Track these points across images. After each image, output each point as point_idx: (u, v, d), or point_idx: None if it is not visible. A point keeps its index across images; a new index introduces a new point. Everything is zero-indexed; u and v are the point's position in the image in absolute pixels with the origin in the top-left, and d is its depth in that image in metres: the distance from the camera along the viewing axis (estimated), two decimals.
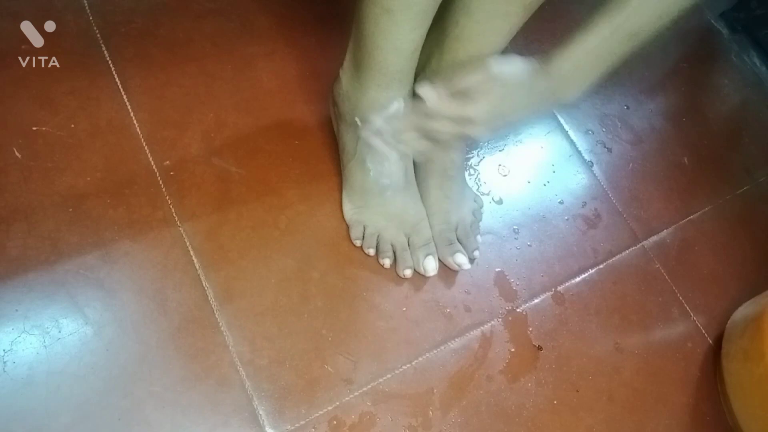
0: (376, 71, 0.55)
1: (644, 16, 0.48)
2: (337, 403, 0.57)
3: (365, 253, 0.64)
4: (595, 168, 0.82)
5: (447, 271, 0.67)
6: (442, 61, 0.58)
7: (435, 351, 0.63)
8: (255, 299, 0.59)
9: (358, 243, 0.64)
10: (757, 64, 1.07)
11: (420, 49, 0.54)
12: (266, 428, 0.54)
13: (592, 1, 0.50)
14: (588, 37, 0.49)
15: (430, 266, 0.64)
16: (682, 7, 0.48)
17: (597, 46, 0.49)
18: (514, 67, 0.52)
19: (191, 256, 0.59)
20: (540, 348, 0.67)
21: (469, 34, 0.54)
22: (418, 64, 0.57)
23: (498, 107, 0.52)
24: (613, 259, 0.76)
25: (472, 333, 0.65)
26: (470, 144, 0.59)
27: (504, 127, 0.55)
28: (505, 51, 0.58)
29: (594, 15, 0.49)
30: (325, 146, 0.69)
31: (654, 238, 0.80)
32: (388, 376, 0.60)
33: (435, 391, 0.61)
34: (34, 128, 0.60)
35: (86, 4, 0.68)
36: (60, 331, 0.53)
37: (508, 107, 0.52)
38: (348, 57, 0.58)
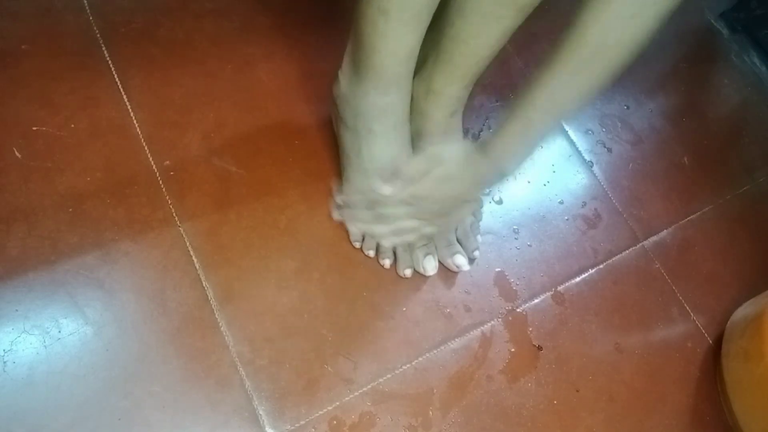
0: (373, 73, 0.55)
1: (567, 100, 0.52)
2: (337, 403, 0.57)
3: (366, 255, 0.64)
4: (595, 168, 0.82)
5: (447, 271, 0.67)
6: (437, 62, 0.58)
7: (435, 351, 0.63)
8: (255, 299, 0.59)
9: (357, 245, 0.64)
10: (757, 64, 1.07)
11: (417, 51, 0.54)
12: (266, 428, 0.54)
13: None
14: (514, 121, 0.54)
15: (430, 266, 0.64)
16: (603, 81, 0.51)
17: (524, 127, 0.54)
18: (454, 151, 0.59)
19: (191, 256, 0.59)
20: (540, 348, 0.67)
21: (464, 35, 0.54)
22: (415, 64, 0.57)
23: (441, 185, 0.60)
24: (613, 259, 0.76)
25: (472, 333, 0.65)
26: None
27: (453, 204, 0.62)
28: (503, 52, 0.58)
29: (520, 99, 0.53)
30: (325, 146, 0.69)
31: (654, 238, 0.80)
32: (388, 376, 0.60)
33: (435, 391, 0.61)
34: (34, 128, 0.60)
35: (86, 4, 0.68)
36: (60, 331, 0.53)
37: (451, 187, 0.60)
38: (346, 58, 0.59)
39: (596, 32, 0.47)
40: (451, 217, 0.64)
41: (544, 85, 0.51)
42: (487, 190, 0.68)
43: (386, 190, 0.60)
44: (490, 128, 0.79)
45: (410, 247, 0.64)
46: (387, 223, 0.62)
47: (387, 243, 0.63)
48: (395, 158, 0.61)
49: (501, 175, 0.60)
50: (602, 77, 0.51)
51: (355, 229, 0.64)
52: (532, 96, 0.52)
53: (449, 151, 0.60)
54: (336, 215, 0.64)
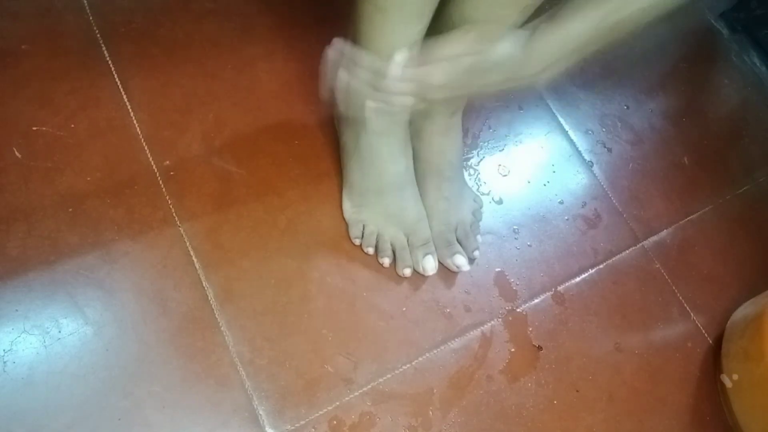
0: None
1: (633, 6, 0.47)
2: (337, 403, 0.57)
3: (365, 253, 0.64)
4: (595, 168, 0.82)
5: (447, 271, 0.67)
6: None
7: (435, 351, 0.63)
8: (255, 299, 0.59)
9: (357, 242, 0.65)
10: (757, 64, 1.07)
11: (416, 50, 0.54)
12: (266, 428, 0.54)
13: None
14: (569, 25, 0.48)
15: (429, 266, 0.64)
16: (673, 4, 0.47)
17: (580, 27, 0.48)
18: (495, 41, 0.50)
19: (191, 256, 0.59)
20: (540, 348, 0.67)
21: None
22: None
23: (464, 76, 0.51)
24: (613, 259, 0.76)
25: (472, 333, 0.65)
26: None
27: (473, 92, 0.54)
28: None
29: (576, 2, 0.48)
30: (325, 146, 0.69)
31: (654, 238, 0.80)
32: (388, 376, 0.60)
33: (435, 391, 0.61)
34: (34, 128, 0.60)
35: (86, 4, 0.68)
36: (60, 331, 0.53)
37: (475, 78, 0.52)
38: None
39: None
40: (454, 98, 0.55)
41: (606, 2, 0.46)
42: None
43: (399, 57, 0.52)
44: (490, 128, 0.79)
45: (410, 246, 0.65)
46: (384, 96, 0.55)
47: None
48: (393, 155, 0.61)
49: (534, 82, 0.52)
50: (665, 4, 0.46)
51: (360, 224, 0.64)
52: (590, 8, 0.47)
53: (490, 37, 0.50)
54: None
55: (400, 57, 0.52)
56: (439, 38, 0.51)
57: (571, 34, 0.49)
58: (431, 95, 0.54)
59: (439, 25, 0.55)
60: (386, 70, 0.52)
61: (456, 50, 0.51)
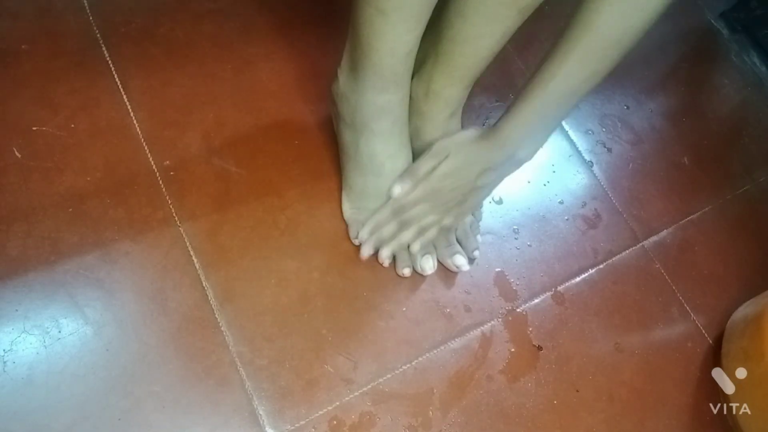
0: (371, 72, 0.55)
1: (579, 78, 0.51)
2: (337, 403, 0.57)
3: None
4: (595, 168, 0.82)
5: (447, 271, 0.67)
6: (437, 63, 0.58)
7: (435, 351, 0.63)
8: (255, 299, 0.59)
9: (356, 242, 0.65)
10: (757, 64, 1.07)
11: (416, 50, 0.54)
12: (266, 428, 0.54)
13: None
14: (527, 102, 0.53)
15: (428, 266, 0.64)
16: (614, 62, 0.50)
17: (536, 109, 0.53)
18: (462, 137, 0.58)
19: (191, 256, 0.59)
20: (540, 348, 0.67)
21: (464, 36, 0.54)
22: (414, 65, 0.57)
23: (451, 176, 0.59)
24: (613, 259, 0.76)
25: (472, 333, 0.65)
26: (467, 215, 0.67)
27: (470, 191, 0.61)
28: (503, 53, 0.58)
29: (531, 80, 0.52)
30: (325, 146, 0.69)
31: (654, 238, 0.80)
32: (388, 376, 0.60)
33: (435, 391, 0.61)
34: (34, 128, 0.60)
35: (86, 4, 0.68)
36: (60, 331, 0.53)
37: (461, 174, 0.59)
38: (345, 57, 0.59)
39: (607, 19, 0.47)
40: (467, 204, 0.63)
41: (554, 75, 0.50)
42: (509, 176, 0.64)
43: (396, 190, 0.60)
44: None
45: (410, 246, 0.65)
46: (410, 225, 0.62)
47: (416, 247, 0.63)
48: (393, 155, 0.61)
49: (517, 161, 0.59)
50: (613, 63, 0.50)
51: (359, 224, 0.64)
52: (543, 83, 0.51)
53: (454, 142, 0.59)
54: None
55: (397, 190, 0.60)
56: (415, 163, 0.60)
57: (533, 114, 0.54)
58: (443, 201, 0.61)
59: (438, 25, 0.55)
60: (392, 206, 0.61)
61: (431, 164, 0.59)
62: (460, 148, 0.58)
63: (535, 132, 0.56)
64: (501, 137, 0.56)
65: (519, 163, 0.59)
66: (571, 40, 0.48)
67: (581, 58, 0.49)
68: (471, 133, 0.58)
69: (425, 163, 0.60)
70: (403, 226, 0.62)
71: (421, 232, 0.63)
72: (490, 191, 0.67)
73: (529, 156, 0.59)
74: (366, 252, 0.63)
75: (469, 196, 0.62)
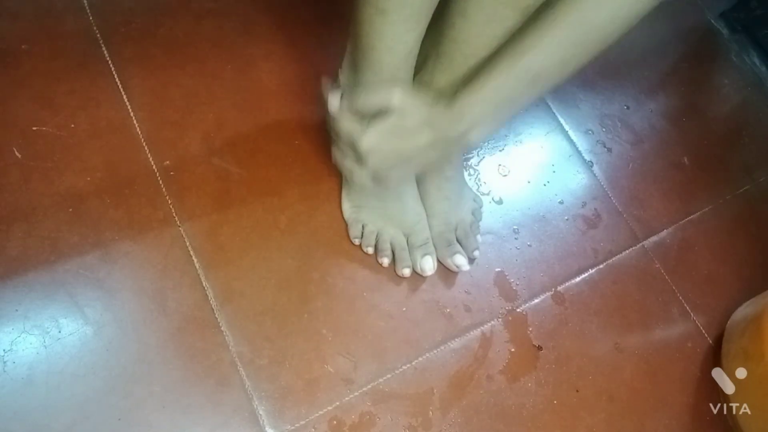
0: (371, 72, 0.55)
1: (547, 60, 0.47)
2: (337, 403, 0.57)
3: (365, 253, 0.65)
4: (595, 168, 0.82)
5: (447, 271, 0.67)
6: (438, 63, 0.58)
7: (435, 351, 0.63)
8: (255, 299, 0.59)
9: (356, 242, 0.65)
10: (757, 64, 1.07)
11: (416, 50, 0.54)
12: (266, 428, 0.54)
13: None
14: (491, 78, 0.49)
15: (428, 266, 0.64)
16: (588, 52, 0.47)
17: (498, 86, 0.49)
18: (417, 102, 0.52)
19: (191, 256, 0.59)
20: (540, 348, 0.67)
21: (465, 36, 0.54)
22: (416, 65, 0.57)
23: (392, 140, 0.53)
24: (613, 259, 0.76)
25: (472, 333, 0.65)
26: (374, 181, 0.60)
27: (401, 165, 0.55)
28: None
29: (498, 53, 0.49)
30: (325, 146, 0.69)
31: (654, 238, 0.80)
32: (388, 376, 0.60)
33: (435, 391, 0.61)
34: (34, 128, 0.60)
35: (86, 4, 0.68)
36: (60, 331, 0.53)
37: (403, 143, 0.53)
38: (345, 57, 0.59)
39: (592, 8, 0.44)
40: (396, 170, 0.57)
41: (528, 51, 0.47)
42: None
43: (331, 102, 0.54)
44: None
45: (409, 246, 0.65)
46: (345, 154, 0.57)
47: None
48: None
49: (464, 142, 0.53)
50: (591, 53, 0.47)
51: (359, 224, 0.64)
52: (513, 59, 0.47)
53: (413, 99, 0.52)
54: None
55: (333, 99, 0.55)
56: (365, 89, 0.53)
57: (497, 91, 0.49)
58: (378, 168, 0.55)
59: (439, 25, 0.55)
60: (328, 102, 0.55)
61: (374, 101, 0.52)
62: (416, 108, 0.52)
63: (494, 114, 0.51)
64: (458, 111, 0.51)
65: (466, 146, 0.54)
66: (553, 18, 0.46)
67: (560, 39, 0.46)
68: (427, 98, 0.53)
69: (370, 97, 0.53)
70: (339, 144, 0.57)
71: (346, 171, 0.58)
72: (422, 168, 0.62)
73: (478, 140, 0.53)
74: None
75: (403, 166, 0.56)
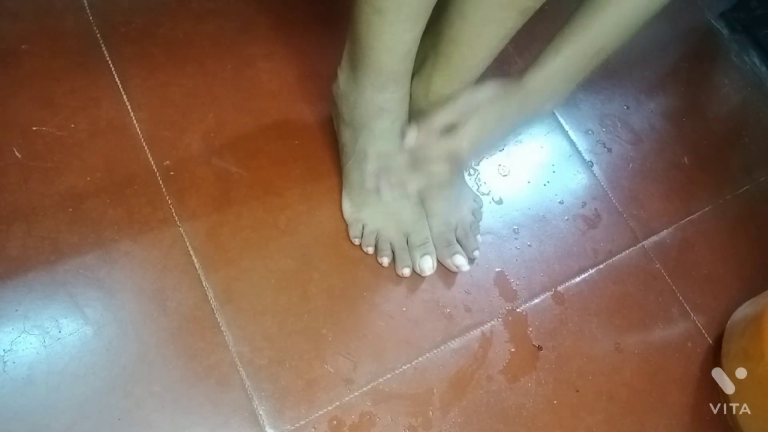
0: (370, 71, 0.55)
1: (610, 33, 0.50)
2: (337, 403, 0.57)
3: (364, 252, 0.64)
4: (595, 168, 0.82)
5: (447, 271, 0.67)
6: (437, 63, 0.58)
7: (435, 351, 0.63)
8: (255, 299, 0.59)
9: (356, 241, 0.65)
10: (757, 64, 1.07)
11: (415, 50, 0.54)
12: (266, 428, 0.54)
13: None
14: (558, 54, 0.52)
15: (427, 266, 0.64)
16: (646, 18, 0.50)
17: (567, 62, 0.52)
18: (488, 92, 0.56)
19: (191, 256, 0.59)
20: (540, 348, 0.67)
21: (464, 37, 0.54)
22: (414, 65, 0.57)
23: (481, 132, 0.56)
24: (613, 259, 0.76)
25: (472, 333, 0.65)
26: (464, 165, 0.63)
27: (491, 145, 0.60)
28: (503, 53, 0.58)
29: (561, 32, 0.52)
30: (325, 146, 0.69)
31: (654, 238, 0.80)
32: (388, 376, 0.60)
33: (435, 391, 0.61)
34: (34, 128, 0.60)
35: (86, 4, 0.68)
36: (60, 331, 0.53)
37: (489, 129, 0.56)
38: (344, 57, 0.59)
39: None
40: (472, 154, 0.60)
41: (587, 23, 0.50)
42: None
43: (408, 138, 0.58)
44: None
45: (409, 246, 0.65)
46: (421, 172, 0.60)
47: (414, 185, 0.61)
48: (393, 156, 0.61)
49: (540, 113, 0.57)
50: (645, 19, 0.50)
51: (359, 224, 0.64)
52: (573, 32, 0.51)
53: (480, 98, 0.56)
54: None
55: (410, 136, 0.58)
56: (435, 113, 0.57)
57: (561, 68, 0.53)
58: (462, 158, 0.58)
59: (438, 25, 0.55)
60: (417, 152, 0.58)
61: (450, 117, 0.56)
62: (489, 105, 0.56)
63: (563, 84, 0.54)
64: (531, 90, 0.54)
65: (543, 116, 0.58)
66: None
67: (619, 12, 0.49)
68: (495, 88, 0.56)
69: (445, 116, 0.57)
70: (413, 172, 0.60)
71: (429, 179, 0.61)
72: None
73: (553, 108, 0.58)
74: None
75: (495, 142, 0.61)
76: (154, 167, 0.62)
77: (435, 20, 0.53)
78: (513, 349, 0.66)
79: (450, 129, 0.57)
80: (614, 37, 0.51)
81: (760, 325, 0.67)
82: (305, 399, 0.56)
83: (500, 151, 0.78)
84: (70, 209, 0.58)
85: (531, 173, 0.78)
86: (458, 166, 0.59)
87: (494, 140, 0.59)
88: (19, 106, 0.61)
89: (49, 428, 0.50)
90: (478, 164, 0.76)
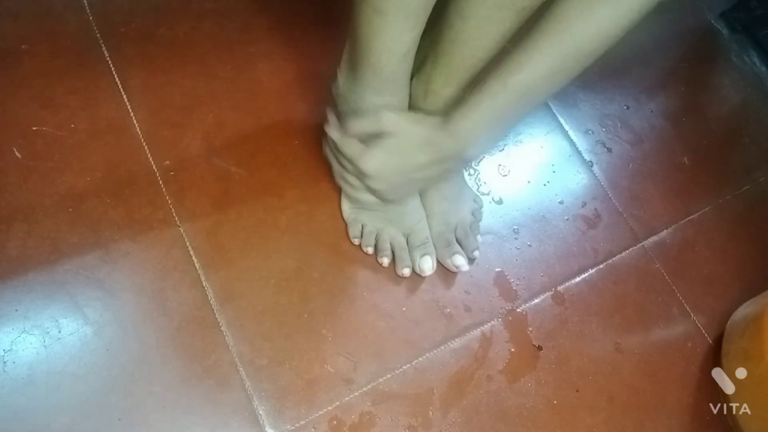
0: (369, 72, 0.55)
1: (536, 77, 0.49)
2: (337, 403, 0.57)
3: (364, 252, 0.65)
4: (595, 168, 0.82)
5: (447, 271, 0.67)
6: (436, 63, 0.58)
7: (435, 351, 0.63)
8: (255, 299, 0.59)
9: (356, 241, 0.65)
10: (757, 64, 1.07)
11: (414, 51, 0.54)
12: (266, 428, 0.54)
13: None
14: (483, 96, 0.51)
15: (427, 266, 0.64)
16: (577, 69, 0.49)
17: (493, 105, 0.51)
18: (411, 121, 0.55)
19: (191, 256, 0.59)
20: (540, 348, 0.67)
21: (463, 37, 0.54)
22: (414, 65, 0.57)
23: (393, 162, 0.55)
24: (613, 259, 0.76)
25: (472, 333, 0.65)
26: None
27: (405, 184, 0.58)
28: (504, 52, 0.58)
29: (487, 74, 0.51)
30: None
31: (654, 238, 0.80)
32: (388, 376, 0.60)
33: (435, 391, 0.61)
34: (34, 128, 0.60)
35: (86, 4, 0.68)
36: (60, 331, 0.53)
37: (404, 163, 0.55)
38: (344, 57, 0.59)
39: (578, 23, 0.46)
40: (398, 191, 0.59)
41: (518, 69, 0.48)
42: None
43: (329, 126, 0.57)
44: None
45: (409, 246, 0.65)
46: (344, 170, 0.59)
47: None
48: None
49: (463, 159, 0.56)
50: (580, 66, 0.49)
51: (359, 224, 0.64)
52: (504, 77, 0.49)
53: (405, 120, 0.54)
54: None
55: (330, 127, 0.57)
56: (356, 117, 0.56)
57: (489, 109, 0.51)
58: (382, 187, 0.57)
59: (438, 26, 0.55)
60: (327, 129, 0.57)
61: (367, 126, 0.55)
62: (411, 129, 0.54)
63: (490, 130, 0.53)
64: (454, 130, 0.53)
65: (465, 161, 0.56)
66: (539, 35, 0.47)
67: (548, 55, 0.47)
68: (422, 118, 0.55)
69: (362, 125, 0.55)
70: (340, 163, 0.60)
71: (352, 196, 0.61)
72: (426, 185, 0.65)
73: (476, 156, 0.56)
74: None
75: (406, 185, 0.59)
76: (154, 167, 0.62)
77: (434, 21, 0.53)
78: (513, 349, 0.66)
79: (364, 141, 0.55)
80: (542, 81, 0.49)
81: (760, 325, 0.67)
82: (305, 399, 0.56)
83: (500, 150, 0.78)
84: (70, 209, 0.58)
85: (531, 173, 0.78)
86: (361, 181, 0.58)
87: (411, 178, 0.57)
88: (19, 106, 0.61)
89: (49, 428, 0.50)
90: (478, 164, 0.76)
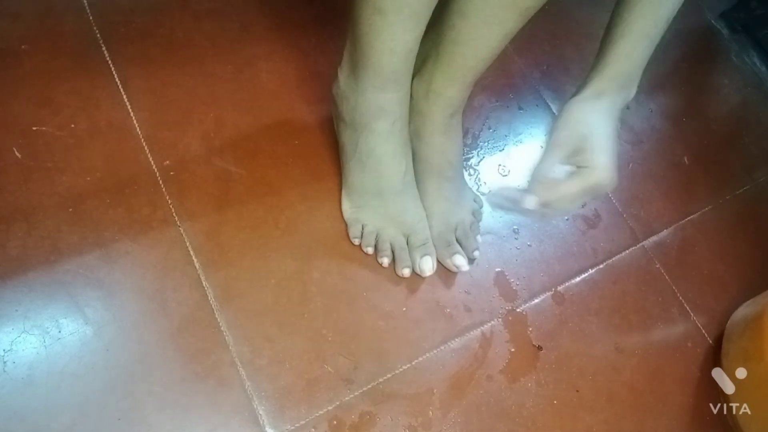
0: (371, 71, 0.55)
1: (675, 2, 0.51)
2: (337, 403, 0.57)
3: (364, 253, 0.64)
4: None
5: (447, 271, 0.67)
6: (438, 63, 0.58)
7: (435, 351, 0.63)
8: (255, 299, 0.59)
9: (356, 242, 0.65)
10: (757, 64, 1.07)
11: (416, 50, 0.54)
12: (266, 428, 0.54)
13: (590, 2, 0.50)
14: (638, 35, 0.53)
15: (427, 266, 0.64)
16: None
17: (648, 38, 0.53)
18: (589, 107, 0.53)
19: (191, 256, 0.59)
20: (540, 348, 0.67)
21: (465, 37, 0.54)
22: (415, 65, 0.57)
23: (610, 149, 0.52)
24: (613, 259, 0.76)
25: (472, 333, 0.65)
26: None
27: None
28: (503, 53, 0.58)
29: (620, 17, 0.51)
30: (325, 146, 0.69)
31: (654, 238, 0.80)
32: (388, 376, 0.60)
33: (435, 391, 0.61)
34: (34, 128, 0.60)
35: (86, 4, 0.68)
36: (60, 331, 0.53)
37: (613, 141, 0.53)
38: (345, 56, 0.59)
39: None
40: None
41: (660, 5, 0.52)
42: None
43: (528, 203, 0.52)
44: (490, 128, 0.79)
45: (409, 246, 0.65)
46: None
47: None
48: (393, 155, 0.61)
49: (628, 100, 0.57)
50: None
51: (359, 224, 0.64)
52: (647, 10, 0.52)
53: (586, 120, 0.52)
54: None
55: (530, 200, 0.52)
56: (541, 160, 0.53)
57: (648, 38, 0.54)
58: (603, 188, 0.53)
59: (439, 26, 0.55)
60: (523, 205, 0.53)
61: (575, 190, 0.51)
62: (599, 119, 0.53)
63: (645, 61, 0.56)
64: (623, 79, 0.55)
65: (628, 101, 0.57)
66: None
67: None
68: (589, 97, 0.54)
69: (554, 156, 0.52)
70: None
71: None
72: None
73: (634, 92, 0.58)
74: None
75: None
76: (154, 167, 0.62)
77: (436, 20, 0.53)
78: (513, 349, 0.66)
79: (570, 161, 0.52)
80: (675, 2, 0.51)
81: (760, 325, 0.67)
82: (305, 399, 0.56)
83: (500, 151, 0.78)
84: (70, 209, 0.58)
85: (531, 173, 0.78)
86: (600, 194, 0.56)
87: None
88: (19, 106, 0.61)
89: (49, 428, 0.50)
90: (478, 164, 0.76)
